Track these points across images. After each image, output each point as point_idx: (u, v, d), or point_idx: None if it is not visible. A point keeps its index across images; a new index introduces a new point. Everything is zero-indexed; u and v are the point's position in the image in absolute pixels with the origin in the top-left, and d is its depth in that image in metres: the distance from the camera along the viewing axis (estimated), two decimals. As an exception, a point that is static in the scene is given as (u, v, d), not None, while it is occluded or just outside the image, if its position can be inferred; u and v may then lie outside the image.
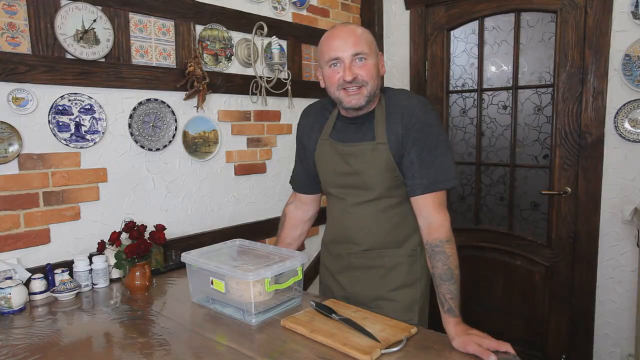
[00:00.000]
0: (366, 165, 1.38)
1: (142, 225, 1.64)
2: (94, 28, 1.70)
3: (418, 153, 1.31)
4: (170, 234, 1.91)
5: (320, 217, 1.71)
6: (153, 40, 1.91)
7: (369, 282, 1.48)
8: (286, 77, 2.39)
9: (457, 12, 2.64)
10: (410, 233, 1.46)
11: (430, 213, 1.30)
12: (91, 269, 1.63)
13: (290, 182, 1.70)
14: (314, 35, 2.58)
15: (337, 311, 1.25)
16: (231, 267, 1.32)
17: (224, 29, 2.15)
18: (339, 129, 1.45)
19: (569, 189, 2.34)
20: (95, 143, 1.74)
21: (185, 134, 2.03)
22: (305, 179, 1.62)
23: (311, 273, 2.53)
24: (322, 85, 1.41)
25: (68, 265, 1.62)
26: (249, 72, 2.27)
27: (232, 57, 2.20)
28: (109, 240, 1.62)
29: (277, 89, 2.32)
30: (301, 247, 1.70)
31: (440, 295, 1.28)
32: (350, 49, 1.29)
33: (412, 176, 1.32)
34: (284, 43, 2.43)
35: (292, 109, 2.47)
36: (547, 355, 2.49)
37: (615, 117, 2.15)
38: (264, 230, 2.36)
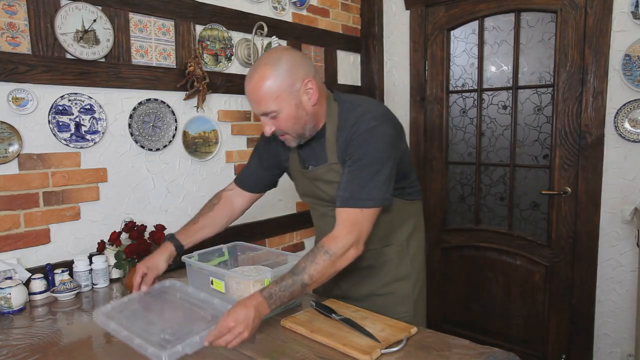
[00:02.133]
0: (325, 184, 1.39)
1: (142, 225, 1.64)
2: (94, 28, 1.70)
3: (350, 165, 1.26)
4: (170, 234, 1.91)
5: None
6: (153, 40, 1.91)
7: (361, 280, 1.50)
8: (286, 77, 2.39)
9: (457, 12, 2.64)
10: (395, 230, 1.47)
11: (339, 225, 1.23)
12: (91, 269, 1.63)
13: (236, 180, 1.61)
14: (314, 36, 2.59)
15: (337, 311, 1.25)
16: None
17: (224, 29, 2.15)
18: (301, 146, 1.41)
19: (569, 189, 2.34)
20: (95, 143, 1.74)
21: (185, 134, 2.03)
22: (257, 178, 1.58)
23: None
24: None
25: (68, 265, 1.62)
26: (249, 72, 2.27)
27: (232, 57, 2.20)
28: (109, 240, 1.62)
29: (277, 89, 2.31)
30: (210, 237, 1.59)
31: (281, 277, 1.18)
32: (256, 109, 1.27)
33: (339, 186, 1.27)
34: (284, 43, 2.43)
35: (292, 109, 2.46)
36: (547, 355, 2.49)
37: (615, 117, 2.15)
38: (263, 230, 2.36)
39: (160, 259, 1.40)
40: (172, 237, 1.47)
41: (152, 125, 1.91)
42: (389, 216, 1.42)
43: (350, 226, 1.21)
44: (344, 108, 1.33)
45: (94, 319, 1.24)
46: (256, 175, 1.58)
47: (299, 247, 2.59)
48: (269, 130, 1.29)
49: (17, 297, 1.42)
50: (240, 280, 1.30)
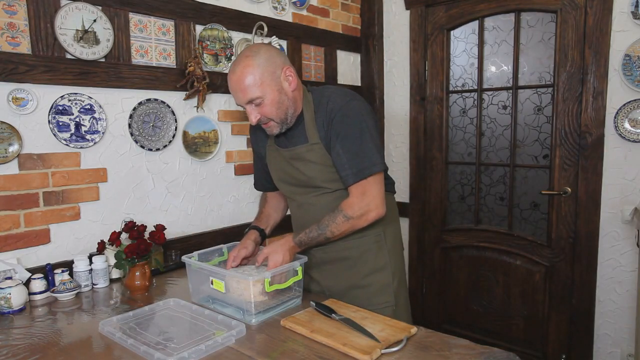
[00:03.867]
0: (305, 164, 1.46)
1: (142, 225, 1.64)
2: (94, 28, 1.70)
3: (343, 144, 1.37)
4: (170, 234, 1.92)
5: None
6: (153, 40, 1.91)
7: (340, 274, 1.53)
8: (286, 77, 2.39)
9: (457, 12, 2.64)
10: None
11: (353, 194, 1.38)
12: (91, 269, 1.63)
13: (256, 187, 1.77)
14: (314, 36, 2.59)
15: (337, 311, 1.25)
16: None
17: (224, 29, 2.15)
18: (280, 135, 1.50)
19: (569, 189, 2.34)
20: (95, 143, 1.74)
21: (185, 134, 2.03)
22: (267, 178, 1.69)
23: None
24: None
25: (68, 265, 1.62)
26: (249, 72, 2.27)
27: (232, 57, 2.20)
28: (109, 240, 1.62)
29: (277, 89, 2.32)
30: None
31: (310, 228, 1.42)
32: (241, 98, 1.35)
33: (342, 167, 1.38)
34: (284, 43, 2.43)
35: (292, 109, 2.46)
36: (547, 355, 2.49)
37: (615, 117, 2.15)
38: (264, 230, 2.36)
39: (248, 242, 1.53)
40: (253, 227, 1.63)
41: (152, 125, 1.91)
42: None
43: (362, 194, 1.37)
44: (316, 94, 1.47)
45: (99, 330, 1.25)
46: (264, 179, 1.70)
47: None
48: (254, 118, 1.38)
49: (17, 297, 1.42)
50: (240, 280, 1.30)
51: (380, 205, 1.39)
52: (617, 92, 2.15)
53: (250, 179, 2.31)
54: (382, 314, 1.30)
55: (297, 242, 1.40)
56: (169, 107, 1.96)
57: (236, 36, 2.22)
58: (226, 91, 2.17)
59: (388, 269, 1.53)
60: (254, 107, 1.36)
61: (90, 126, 1.72)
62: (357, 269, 1.51)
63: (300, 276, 1.39)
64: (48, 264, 1.59)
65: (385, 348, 1.08)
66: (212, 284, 1.38)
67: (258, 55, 1.33)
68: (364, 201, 1.37)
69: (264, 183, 1.72)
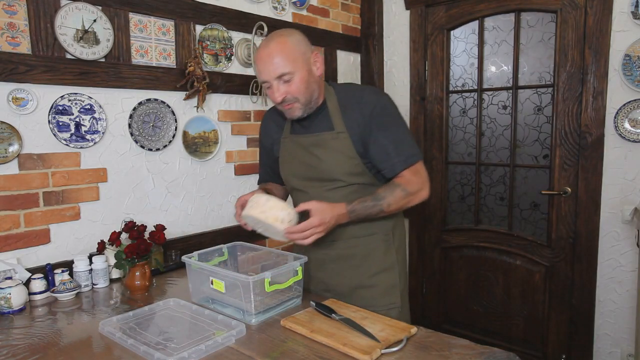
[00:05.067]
0: (327, 153, 1.43)
1: (142, 225, 1.64)
2: (94, 28, 1.70)
3: (386, 135, 1.39)
4: (170, 234, 1.91)
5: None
6: (153, 40, 1.91)
7: (347, 272, 1.50)
8: (286, 77, 2.39)
9: (457, 12, 2.64)
10: (383, 218, 1.47)
11: (408, 175, 1.40)
12: (91, 269, 1.63)
13: (259, 184, 1.74)
14: (314, 36, 2.58)
15: (337, 311, 1.25)
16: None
17: (224, 29, 2.15)
18: (297, 125, 1.50)
19: (569, 189, 2.34)
20: (95, 143, 1.74)
21: (185, 134, 2.03)
22: (272, 173, 1.68)
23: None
24: None
25: (68, 265, 1.62)
26: (249, 72, 2.28)
27: (232, 57, 2.20)
28: (108, 240, 1.62)
29: (277, 89, 2.32)
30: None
31: (363, 198, 1.37)
32: (272, 72, 1.33)
33: (387, 157, 1.40)
34: (284, 43, 2.43)
35: (292, 109, 2.46)
36: (547, 355, 2.49)
37: (615, 117, 2.15)
38: (264, 230, 2.35)
39: (256, 192, 1.46)
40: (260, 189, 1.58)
41: (152, 125, 1.91)
42: None
43: (416, 173, 1.40)
44: (340, 88, 1.48)
45: (99, 330, 1.24)
46: (271, 173, 1.66)
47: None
48: (279, 96, 1.35)
49: (17, 297, 1.42)
50: (270, 198, 1.29)
51: (429, 187, 1.43)
52: (617, 92, 2.15)
53: (250, 179, 2.32)
54: (387, 315, 1.29)
55: (350, 209, 1.33)
56: (169, 107, 1.96)
57: (236, 36, 2.22)
58: (226, 91, 2.17)
59: (395, 269, 1.52)
60: (282, 84, 1.34)
61: (90, 126, 1.72)
62: (365, 267, 1.49)
63: (300, 276, 1.39)
64: (48, 264, 1.59)
65: (385, 348, 1.08)
66: (212, 284, 1.38)
67: (292, 35, 1.36)
68: (420, 179, 1.40)
69: (268, 180, 1.70)
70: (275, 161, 1.61)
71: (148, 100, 1.88)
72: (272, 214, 1.26)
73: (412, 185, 1.38)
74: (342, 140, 1.41)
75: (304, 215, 1.31)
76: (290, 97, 1.36)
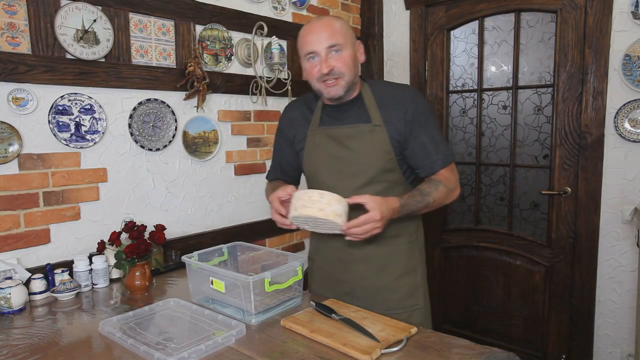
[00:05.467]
0: (362, 145, 1.41)
1: (142, 225, 1.64)
2: (94, 28, 1.70)
3: (427, 133, 1.40)
4: (170, 234, 1.92)
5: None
6: (153, 40, 1.91)
7: (371, 274, 1.48)
8: (286, 77, 2.39)
9: (457, 12, 2.64)
10: (403, 218, 1.43)
11: (446, 173, 1.42)
12: (91, 269, 1.63)
13: (268, 177, 1.68)
14: (314, 35, 2.58)
15: (337, 311, 1.25)
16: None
17: (224, 29, 2.15)
18: (327, 117, 1.48)
19: (569, 189, 2.34)
20: (95, 143, 1.74)
21: (185, 134, 2.03)
22: (287, 168, 1.63)
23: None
24: (304, 77, 1.45)
25: (68, 265, 1.62)
26: (249, 72, 2.28)
27: (232, 57, 2.20)
28: (108, 240, 1.62)
29: (277, 89, 2.32)
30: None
31: (411, 193, 1.38)
32: (324, 42, 1.33)
33: (427, 155, 1.40)
34: (284, 43, 2.43)
35: (292, 109, 2.46)
36: (547, 355, 2.49)
37: (615, 117, 2.15)
38: (264, 230, 2.35)
39: (287, 188, 1.38)
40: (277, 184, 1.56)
41: (152, 125, 1.91)
42: None
43: (452, 172, 1.44)
44: (374, 84, 1.48)
45: (99, 330, 1.24)
46: (285, 166, 1.63)
47: (299, 247, 2.59)
48: (327, 67, 1.33)
49: (17, 297, 1.42)
50: (324, 192, 1.22)
51: (459, 187, 1.47)
52: (617, 92, 2.15)
53: (250, 179, 2.32)
54: (411, 316, 1.30)
55: (402, 203, 1.31)
56: (169, 107, 1.96)
57: (236, 36, 2.22)
58: (226, 91, 2.17)
59: (418, 270, 1.52)
60: (332, 55, 1.33)
61: (90, 126, 1.72)
62: (390, 270, 1.47)
63: (300, 276, 1.39)
64: (48, 264, 1.59)
65: (385, 348, 1.08)
66: (212, 284, 1.38)
67: (341, 19, 1.40)
68: (455, 178, 1.44)
69: (277, 177, 1.63)
70: (293, 156, 1.57)
71: (148, 100, 1.88)
72: (332, 209, 1.19)
73: (451, 182, 1.41)
74: (378, 134, 1.39)
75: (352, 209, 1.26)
76: (337, 70, 1.34)
